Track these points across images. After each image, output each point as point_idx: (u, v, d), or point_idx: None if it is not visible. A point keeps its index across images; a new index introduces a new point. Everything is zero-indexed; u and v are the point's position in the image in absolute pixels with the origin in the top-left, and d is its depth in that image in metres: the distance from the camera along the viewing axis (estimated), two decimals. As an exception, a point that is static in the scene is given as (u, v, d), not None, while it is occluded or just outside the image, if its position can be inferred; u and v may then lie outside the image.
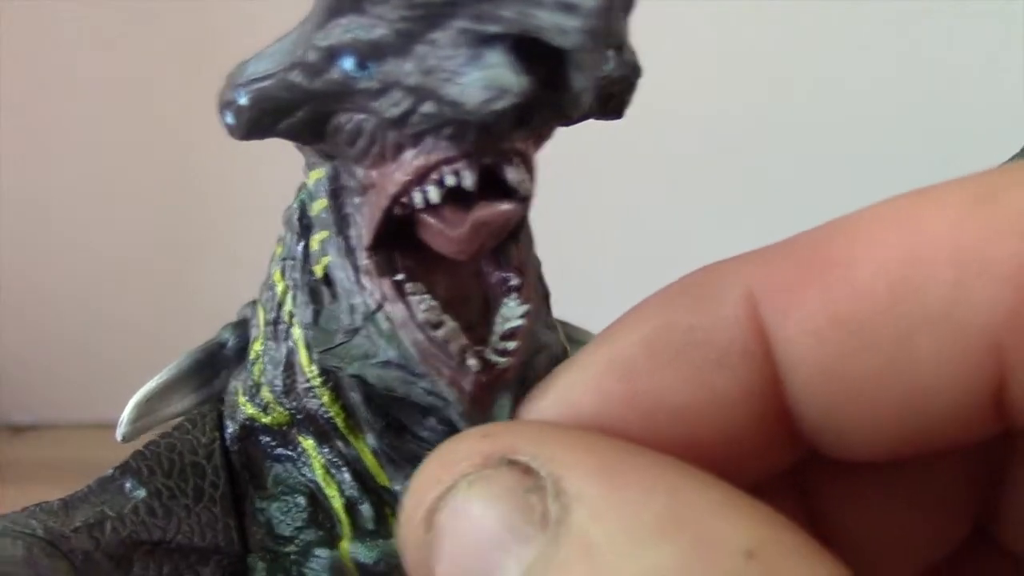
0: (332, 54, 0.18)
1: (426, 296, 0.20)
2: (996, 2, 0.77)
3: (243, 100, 0.20)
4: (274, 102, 0.20)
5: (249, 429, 0.25)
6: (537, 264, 0.24)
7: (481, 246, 0.20)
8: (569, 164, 0.73)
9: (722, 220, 0.79)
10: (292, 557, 0.24)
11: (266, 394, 0.24)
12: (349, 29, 0.18)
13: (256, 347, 0.25)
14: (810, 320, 0.13)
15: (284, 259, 0.24)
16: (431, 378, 0.20)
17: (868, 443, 0.13)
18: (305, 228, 0.23)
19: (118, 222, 0.79)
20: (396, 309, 0.20)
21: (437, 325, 0.20)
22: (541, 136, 0.20)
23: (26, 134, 0.78)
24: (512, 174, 0.19)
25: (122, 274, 0.80)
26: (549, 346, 0.22)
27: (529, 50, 0.17)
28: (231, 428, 0.25)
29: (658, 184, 0.77)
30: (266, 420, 0.24)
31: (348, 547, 0.24)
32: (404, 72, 0.18)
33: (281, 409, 0.24)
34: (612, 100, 0.21)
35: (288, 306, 0.24)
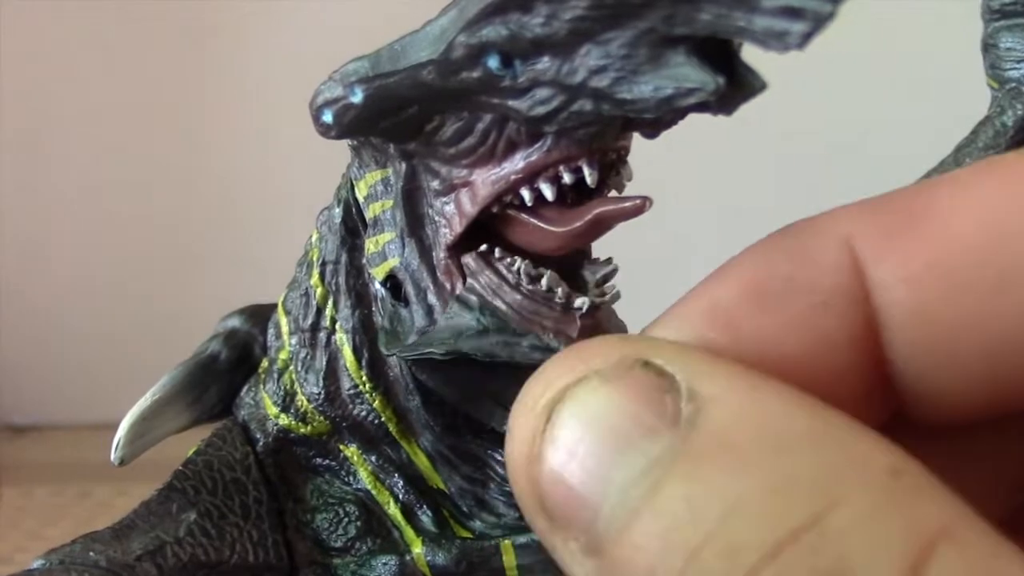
0: (480, 51, 0.18)
1: (515, 257, 0.20)
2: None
3: (357, 98, 0.20)
4: (394, 100, 0.20)
5: (283, 441, 0.25)
6: None
7: (591, 241, 0.21)
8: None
9: (728, 221, 0.79)
10: (350, 568, 0.24)
11: (303, 403, 0.24)
12: (506, 26, 0.18)
13: (283, 356, 0.24)
14: (908, 265, 0.13)
15: (324, 263, 0.24)
16: (534, 334, 0.20)
17: (957, 395, 0.13)
18: (350, 231, 0.23)
19: (119, 223, 0.79)
20: (484, 278, 0.21)
21: (536, 278, 0.20)
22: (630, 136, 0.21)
23: (27, 135, 0.78)
24: (625, 170, 0.20)
25: (122, 275, 0.80)
26: (619, 328, 0.22)
27: (703, 52, 0.17)
28: (262, 441, 0.25)
29: (662, 182, 0.77)
30: (305, 430, 0.24)
31: (422, 551, 0.24)
32: (561, 71, 0.18)
33: (321, 418, 0.24)
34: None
35: (329, 311, 0.24)
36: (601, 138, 0.19)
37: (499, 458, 0.23)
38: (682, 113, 0.18)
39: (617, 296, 0.21)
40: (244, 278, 0.83)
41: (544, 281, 0.20)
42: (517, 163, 0.20)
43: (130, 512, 0.24)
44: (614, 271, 0.21)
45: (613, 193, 0.21)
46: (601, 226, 0.20)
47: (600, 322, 0.21)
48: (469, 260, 0.21)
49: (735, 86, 0.17)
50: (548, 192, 0.20)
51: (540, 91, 0.18)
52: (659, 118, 0.18)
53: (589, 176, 0.19)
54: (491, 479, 0.23)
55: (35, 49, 0.76)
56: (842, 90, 0.79)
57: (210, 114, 0.77)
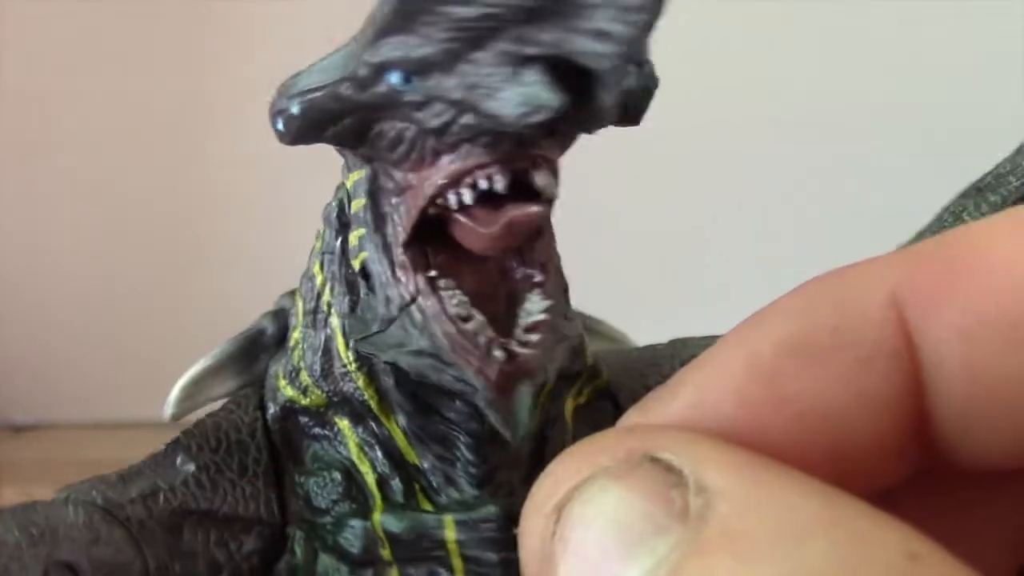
0: (381, 69, 0.20)
1: (457, 291, 0.22)
2: (997, 2, 0.77)
3: (295, 109, 0.22)
4: (324, 112, 0.22)
5: (289, 410, 0.27)
6: (557, 259, 0.26)
7: (510, 243, 0.22)
8: (585, 164, 0.73)
9: (729, 217, 0.79)
10: (327, 527, 0.26)
11: (305, 378, 0.26)
12: (398, 47, 0.20)
13: (295, 335, 0.26)
14: (959, 320, 0.13)
15: (323, 253, 0.26)
16: (459, 367, 0.22)
17: (1002, 448, 0.13)
18: (343, 225, 0.25)
19: (118, 223, 0.79)
20: (429, 303, 0.22)
21: (467, 318, 0.22)
22: (565, 143, 0.22)
23: (26, 134, 0.78)
24: (540, 179, 0.21)
25: (122, 275, 0.80)
26: (569, 337, 0.24)
27: (561, 68, 0.18)
28: (272, 409, 0.27)
29: (670, 182, 0.78)
30: (305, 402, 0.26)
31: (379, 518, 0.25)
32: (447, 87, 0.19)
33: (319, 392, 0.26)
34: (631, 109, 0.23)
35: (326, 296, 0.25)
36: (496, 147, 0.20)
37: (463, 439, 0.24)
38: (546, 127, 0.19)
39: (544, 342, 0.22)
40: (244, 278, 0.83)
41: (471, 325, 0.22)
42: (442, 169, 0.21)
43: (140, 461, 0.26)
44: (543, 321, 0.22)
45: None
46: (514, 229, 0.21)
47: (522, 366, 0.22)
48: (420, 281, 0.22)
49: (589, 103, 0.19)
50: (468, 197, 0.21)
51: (435, 105, 0.20)
52: (523, 131, 0.19)
53: (498, 183, 0.21)
54: (457, 459, 0.25)
55: (35, 49, 0.76)
56: (844, 89, 0.79)
57: (210, 114, 0.77)
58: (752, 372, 0.13)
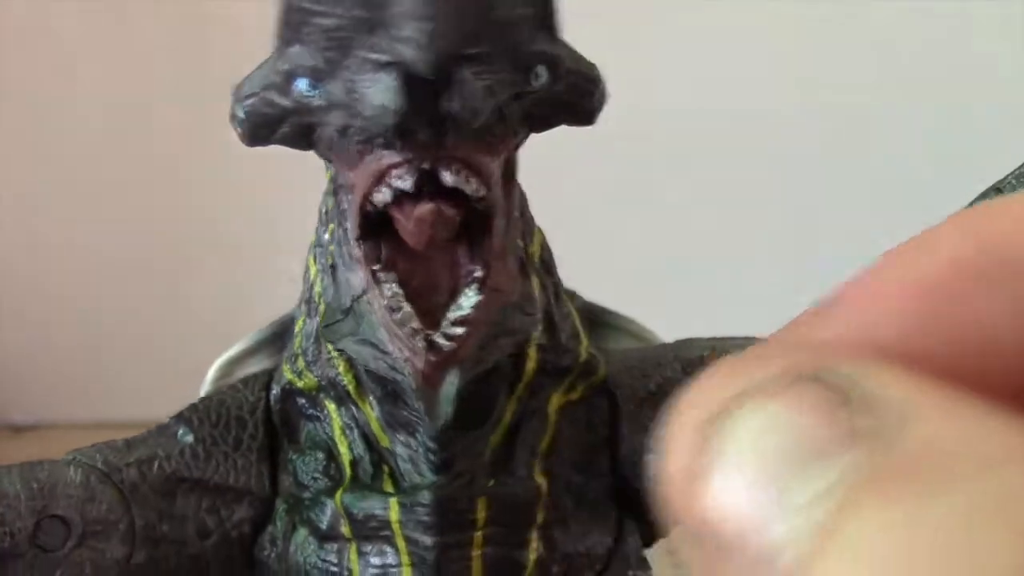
0: (289, 77, 0.22)
1: (394, 284, 0.23)
2: (997, 2, 0.77)
3: (240, 113, 0.23)
4: (262, 117, 0.23)
5: (288, 392, 0.28)
6: (545, 255, 0.28)
7: (430, 237, 0.22)
8: (587, 164, 0.73)
9: (735, 214, 0.79)
10: (306, 502, 0.27)
11: (301, 362, 0.27)
12: (298, 55, 0.21)
13: (300, 322, 0.28)
14: None
15: (316, 246, 0.27)
16: (393, 356, 0.23)
17: None
18: (328, 220, 0.26)
19: (118, 222, 0.79)
20: (373, 295, 0.23)
21: (396, 309, 0.23)
22: (494, 145, 0.22)
23: (25, 133, 0.78)
24: (449, 178, 0.22)
25: (122, 274, 0.80)
26: (515, 331, 0.25)
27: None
28: (275, 390, 0.29)
29: (674, 182, 0.78)
30: (300, 384, 0.28)
31: (341, 496, 0.27)
32: (336, 92, 0.21)
33: (311, 375, 0.27)
34: (571, 108, 0.24)
35: (317, 287, 0.27)
36: (406, 148, 0.21)
37: (417, 431, 0.25)
38: (399, 129, 0.20)
39: (471, 336, 0.23)
40: (244, 278, 0.83)
41: (399, 316, 0.23)
42: (366, 168, 0.22)
43: (146, 430, 0.28)
44: (470, 316, 0.23)
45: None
46: (423, 225, 0.22)
47: (448, 357, 0.23)
48: (368, 273, 0.23)
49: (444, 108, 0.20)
50: (387, 195, 0.22)
51: (334, 109, 0.21)
52: (382, 133, 0.21)
53: (406, 182, 0.22)
54: (420, 445, 0.25)
55: (36, 49, 0.76)
56: (845, 88, 0.79)
57: (210, 113, 0.77)
58: (915, 291, 0.12)
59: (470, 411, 0.26)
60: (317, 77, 0.21)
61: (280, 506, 0.28)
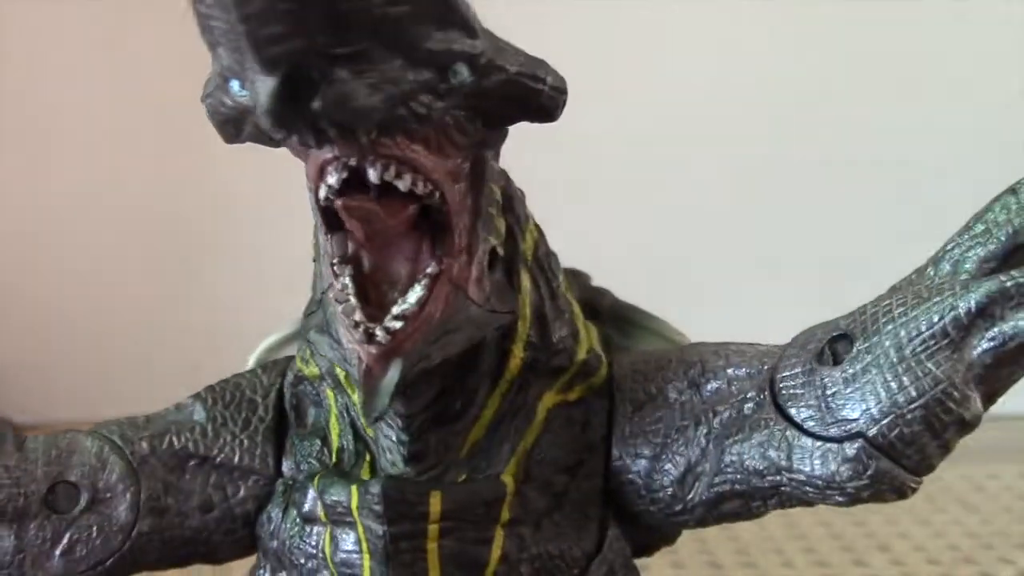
0: (224, 78, 0.22)
1: (346, 277, 0.24)
2: (997, 3, 0.77)
3: (207, 112, 0.24)
4: (220, 116, 0.23)
5: (299, 378, 0.29)
6: (540, 253, 0.28)
7: (370, 231, 0.23)
8: (591, 165, 0.73)
9: (736, 213, 0.79)
10: (297, 485, 0.28)
11: (308, 351, 0.28)
12: (222, 57, 0.21)
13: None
14: None
15: (315, 241, 0.28)
16: (345, 347, 0.24)
17: None
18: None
19: (119, 223, 0.79)
20: (330, 287, 0.24)
21: (342, 301, 0.23)
22: (433, 142, 0.23)
23: (27, 134, 0.78)
24: (373, 175, 0.22)
25: (122, 275, 0.80)
26: (472, 328, 0.25)
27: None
28: (289, 376, 0.30)
29: (674, 182, 0.78)
30: (306, 372, 0.29)
31: (318, 481, 0.27)
32: (250, 93, 0.21)
33: (314, 364, 0.28)
34: (520, 104, 0.24)
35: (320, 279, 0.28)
36: (335, 146, 0.22)
37: (389, 422, 0.26)
38: (276, 126, 0.21)
39: (411, 331, 0.23)
40: (244, 278, 0.83)
41: (342, 308, 0.23)
42: (311, 164, 0.23)
43: (167, 407, 0.30)
44: (411, 311, 0.23)
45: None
46: (351, 218, 0.23)
47: (388, 350, 0.23)
48: (330, 266, 0.24)
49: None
50: (324, 191, 0.23)
51: (256, 109, 0.21)
52: (270, 131, 0.21)
53: (332, 178, 0.22)
54: (396, 435, 0.26)
55: (38, 50, 0.76)
56: (844, 89, 0.79)
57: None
58: None
59: (447, 405, 0.26)
60: (238, 77, 0.21)
61: (279, 487, 0.29)
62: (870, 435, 0.24)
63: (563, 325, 0.28)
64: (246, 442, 0.29)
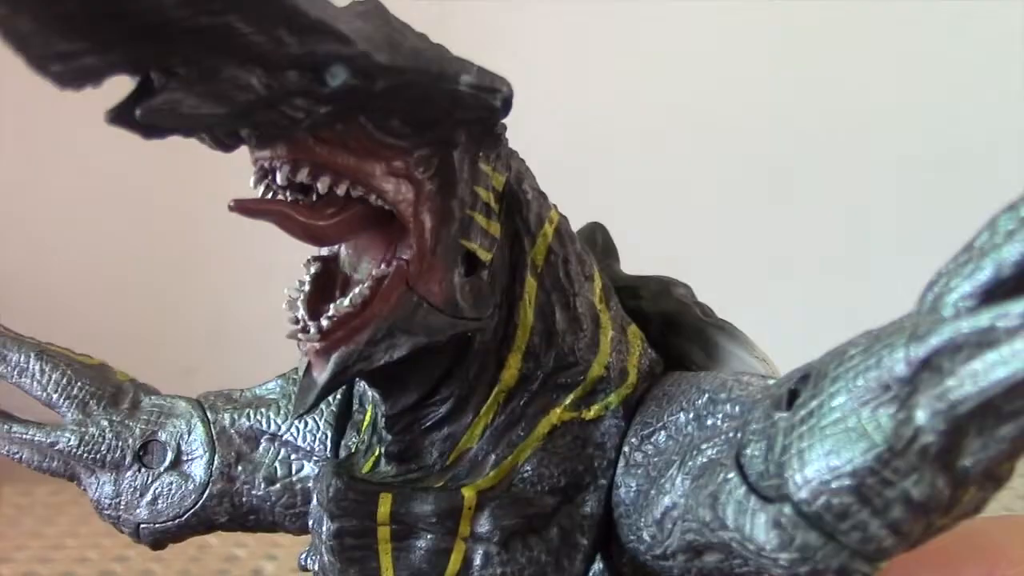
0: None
1: (307, 273, 0.25)
2: (996, 3, 0.77)
3: None
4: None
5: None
6: (557, 261, 0.27)
7: (299, 232, 0.24)
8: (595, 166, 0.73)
9: (736, 214, 0.79)
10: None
11: None
12: None
13: None
14: None
15: None
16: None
17: None
18: None
19: (117, 224, 0.79)
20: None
21: (291, 298, 0.25)
22: (350, 143, 0.23)
23: (27, 134, 0.78)
24: (279, 176, 0.24)
25: (123, 275, 0.80)
26: (423, 332, 0.25)
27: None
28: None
29: (677, 183, 0.78)
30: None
31: (321, 468, 0.28)
32: None
33: None
34: (442, 104, 0.24)
35: None
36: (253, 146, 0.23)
37: (382, 416, 0.27)
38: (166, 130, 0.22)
39: (340, 332, 0.24)
40: (245, 278, 0.83)
41: (286, 303, 0.25)
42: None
43: (262, 382, 0.33)
44: (346, 311, 0.24)
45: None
46: (251, 215, 0.25)
47: (321, 348, 0.24)
48: (307, 262, 0.26)
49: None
50: (257, 190, 0.25)
51: None
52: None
53: (252, 178, 0.25)
54: (379, 435, 0.27)
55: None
56: (844, 89, 0.79)
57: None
58: None
59: (431, 410, 0.26)
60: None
61: (322, 467, 0.29)
62: (796, 499, 0.20)
63: (577, 338, 0.27)
64: (310, 424, 0.31)
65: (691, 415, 0.26)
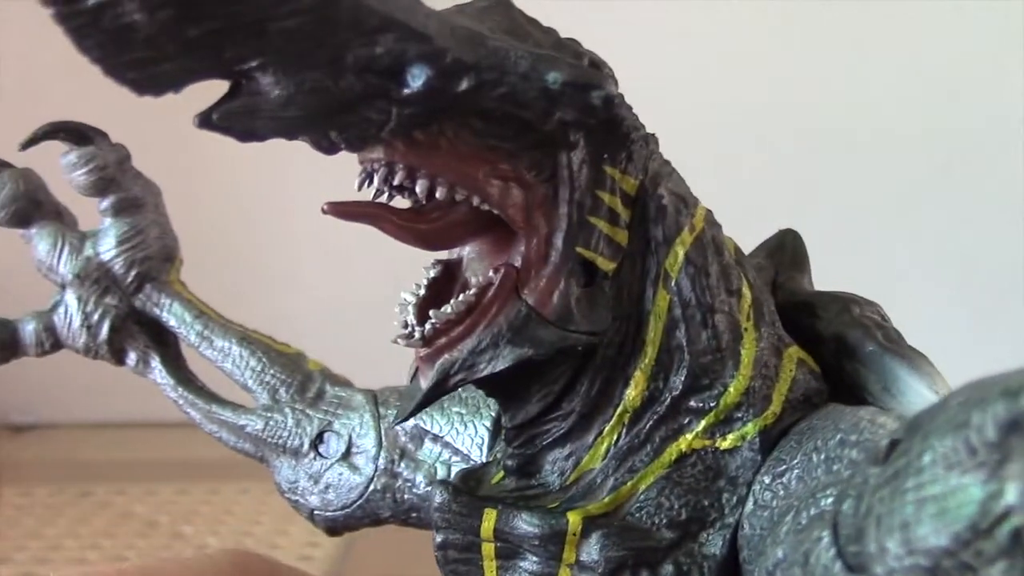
0: None
1: (426, 276, 0.25)
2: (997, 3, 0.77)
3: None
4: None
5: None
6: (695, 273, 0.25)
7: (404, 235, 0.24)
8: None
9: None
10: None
11: None
12: None
13: None
14: None
15: None
16: None
17: None
18: None
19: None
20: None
21: (405, 303, 0.24)
22: (442, 146, 0.23)
23: (27, 134, 0.78)
24: (376, 179, 0.23)
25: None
26: (532, 343, 0.24)
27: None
28: None
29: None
30: None
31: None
32: None
33: None
34: (527, 105, 0.23)
35: None
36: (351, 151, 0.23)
37: (503, 436, 0.27)
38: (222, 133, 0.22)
39: (443, 338, 0.24)
40: (245, 278, 0.83)
41: (399, 307, 0.25)
42: None
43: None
44: (450, 317, 0.24)
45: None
46: (347, 218, 0.24)
47: (426, 355, 0.24)
48: (428, 266, 0.25)
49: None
50: (369, 192, 0.24)
51: None
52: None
53: (357, 180, 0.24)
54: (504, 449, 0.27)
55: (38, 48, 0.76)
56: (843, 88, 0.79)
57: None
58: None
59: (552, 425, 0.25)
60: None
61: (478, 469, 0.29)
62: (873, 574, 0.18)
63: (712, 359, 0.25)
64: (468, 426, 0.31)
65: (823, 456, 0.23)
